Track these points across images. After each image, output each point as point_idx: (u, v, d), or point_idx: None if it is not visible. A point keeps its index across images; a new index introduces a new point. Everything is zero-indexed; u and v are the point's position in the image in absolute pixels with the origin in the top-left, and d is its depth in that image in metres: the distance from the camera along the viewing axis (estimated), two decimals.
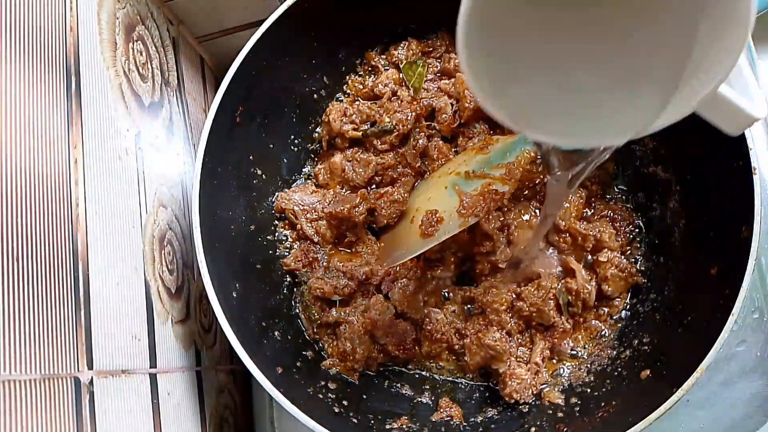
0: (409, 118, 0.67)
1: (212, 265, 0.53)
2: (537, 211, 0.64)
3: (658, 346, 0.56)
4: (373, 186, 0.69)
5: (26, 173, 0.39)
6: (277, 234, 0.68)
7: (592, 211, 0.66)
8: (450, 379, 0.64)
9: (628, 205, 0.65)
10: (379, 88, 0.70)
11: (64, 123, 0.45)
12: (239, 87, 0.59)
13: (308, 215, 0.67)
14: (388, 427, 0.58)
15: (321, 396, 0.58)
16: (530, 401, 0.59)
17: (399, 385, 0.63)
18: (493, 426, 0.59)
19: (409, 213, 0.65)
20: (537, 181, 0.64)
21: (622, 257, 0.63)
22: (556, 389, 0.60)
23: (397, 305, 0.63)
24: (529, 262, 0.63)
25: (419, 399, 0.62)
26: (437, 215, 0.60)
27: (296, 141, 0.71)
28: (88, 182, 0.46)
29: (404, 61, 0.70)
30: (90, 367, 0.43)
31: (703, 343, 0.47)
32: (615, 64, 0.31)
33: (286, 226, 0.69)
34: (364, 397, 0.61)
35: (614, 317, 0.63)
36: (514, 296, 0.62)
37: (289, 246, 0.68)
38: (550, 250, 0.64)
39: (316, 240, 0.67)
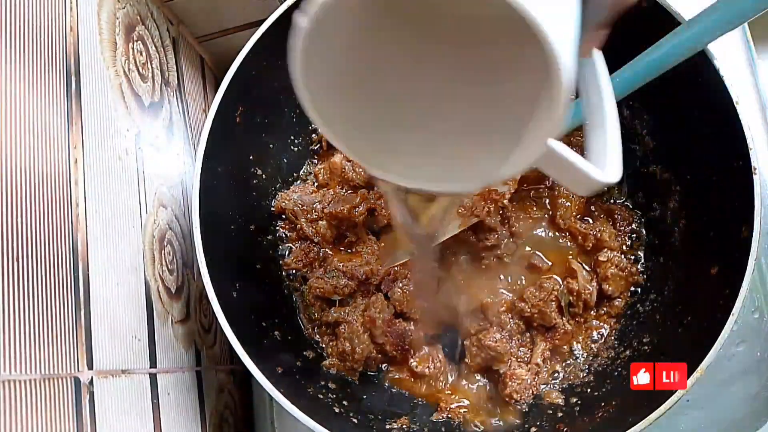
0: None
1: (212, 265, 0.53)
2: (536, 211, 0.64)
3: (658, 346, 0.56)
4: (373, 186, 0.69)
5: (26, 173, 0.39)
6: (277, 234, 0.68)
7: (593, 209, 0.66)
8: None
9: (628, 205, 0.65)
10: None
11: (64, 123, 0.45)
12: (239, 87, 0.58)
13: (308, 215, 0.67)
14: (388, 427, 0.58)
15: (321, 396, 0.58)
16: (530, 401, 0.59)
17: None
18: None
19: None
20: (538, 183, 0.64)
21: (622, 257, 0.63)
22: (556, 389, 0.60)
23: (396, 305, 0.63)
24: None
25: (419, 399, 0.62)
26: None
27: (296, 141, 0.71)
28: (88, 182, 0.46)
29: None
30: (90, 367, 0.43)
31: (703, 343, 0.47)
32: (464, 112, 0.33)
33: (286, 226, 0.69)
34: (364, 397, 0.61)
35: (614, 317, 0.63)
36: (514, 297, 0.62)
37: (289, 246, 0.68)
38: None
39: (316, 240, 0.67)
